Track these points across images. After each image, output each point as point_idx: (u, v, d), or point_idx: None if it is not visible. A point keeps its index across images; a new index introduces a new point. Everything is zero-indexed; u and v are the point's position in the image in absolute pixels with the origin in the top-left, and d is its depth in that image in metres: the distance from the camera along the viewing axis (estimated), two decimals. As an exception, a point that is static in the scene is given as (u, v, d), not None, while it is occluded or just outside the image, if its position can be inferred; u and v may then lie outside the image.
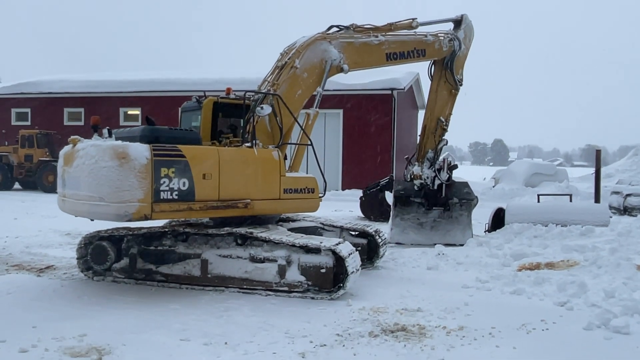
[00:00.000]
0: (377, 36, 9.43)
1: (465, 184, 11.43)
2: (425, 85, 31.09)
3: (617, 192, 18.82)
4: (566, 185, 24.09)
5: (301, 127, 8.30)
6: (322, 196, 8.28)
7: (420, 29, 10.32)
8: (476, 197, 11.26)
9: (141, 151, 6.29)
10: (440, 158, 11.22)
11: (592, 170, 31.43)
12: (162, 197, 6.40)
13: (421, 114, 34.09)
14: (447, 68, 10.97)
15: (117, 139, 6.74)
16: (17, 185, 25.09)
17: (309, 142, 8.27)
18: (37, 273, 7.86)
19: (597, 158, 13.28)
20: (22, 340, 4.90)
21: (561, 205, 11.48)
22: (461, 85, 11.29)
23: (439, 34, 10.66)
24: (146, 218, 6.33)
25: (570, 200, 11.95)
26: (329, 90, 8.90)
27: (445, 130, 11.31)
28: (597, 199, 13.26)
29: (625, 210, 17.87)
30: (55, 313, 5.83)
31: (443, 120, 11.19)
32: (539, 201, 11.96)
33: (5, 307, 6.05)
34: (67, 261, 8.63)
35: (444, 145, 11.34)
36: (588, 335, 5.32)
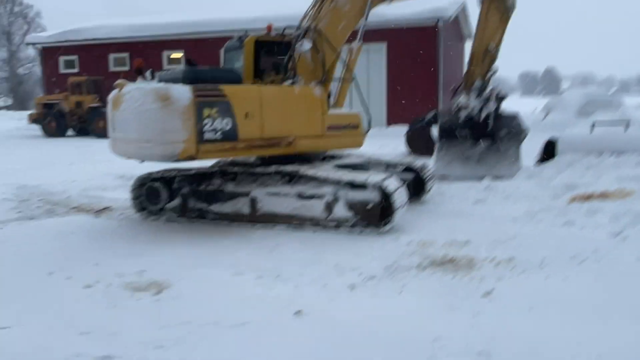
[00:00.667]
0: None
1: (514, 116, 11.08)
2: (473, 13, 29.85)
3: (676, 119, 17.92)
4: (622, 114, 23.08)
5: (344, 62, 8.16)
6: (367, 132, 8.21)
7: None
8: (526, 128, 10.92)
9: (183, 92, 6.36)
10: (489, 88, 10.85)
11: (651, 97, 29.83)
12: (206, 138, 6.49)
13: (467, 45, 32.96)
14: None
15: (160, 81, 6.81)
16: (70, 132, 25.90)
17: (352, 77, 8.14)
18: (95, 214, 8.22)
19: (656, 83, 12.59)
20: (86, 277, 5.19)
21: (615, 134, 11.03)
22: (514, 10, 10.68)
23: None
24: (192, 158, 6.46)
25: (626, 129, 11.45)
26: (370, 23, 8.63)
27: (494, 58, 10.83)
28: (655, 127, 12.66)
29: (686, 138, 17.07)
30: (115, 251, 6.13)
31: (493, 48, 10.72)
32: (592, 131, 11.52)
33: (69, 246, 6.39)
34: (122, 202, 8.96)
35: (493, 74, 10.89)
36: (643, 265, 5.22)
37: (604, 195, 7.83)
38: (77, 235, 6.93)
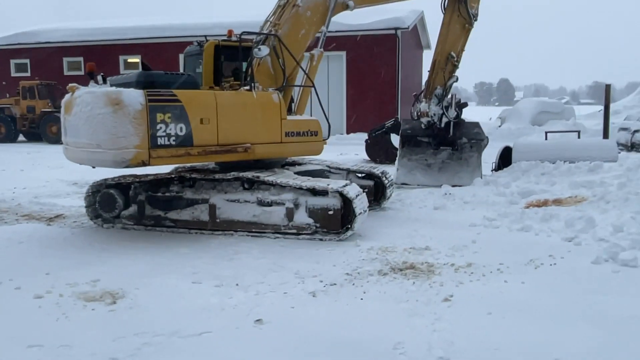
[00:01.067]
0: None
1: (475, 124, 11.23)
2: (431, 23, 30.37)
3: (624, 129, 18.63)
4: (573, 123, 23.86)
5: (303, 69, 8.13)
6: (327, 139, 8.20)
7: None
8: (486, 137, 11.07)
9: (135, 97, 6.23)
10: (449, 95, 10.93)
11: (599, 107, 30.93)
12: (159, 143, 6.38)
13: (426, 54, 33.61)
14: (462, 1, 10.52)
15: (113, 85, 6.66)
16: (21, 137, 25.05)
17: (311, 85, 8.13)
18: (47, 222, 7.92)
19: (606, 93, 13.06)
20: (36, 287, 4.97)
21: (569, 142, 11.37)
22: (476, 20, 10.82)
23: None
24: (144, 164, 6.33)
25: (579, 137, 11.82)
26: (330, 31, 8.63)
27: (456, 66, 10.92)
28: (605, 135, 13.13)
29: (633, 147, 17.75)
30: (67, 260, 5.90)
31: (454, 55, 10.79)
32: (546, 139, 11.84)
33: (18, 256, 6.12)
34: (75, 210, 8.69)
35: (454, 82, 10.96)
36: (596, 269, 5.36)
37: (558, 202, 8.03)
38: (28, 244, 6.65)
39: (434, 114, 10.78)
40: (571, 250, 6.01)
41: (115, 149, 6.20)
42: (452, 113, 10.71)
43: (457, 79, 11.02)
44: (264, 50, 7.41)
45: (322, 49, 8.45)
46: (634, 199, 7.43)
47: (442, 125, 10.79)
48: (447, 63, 10.81)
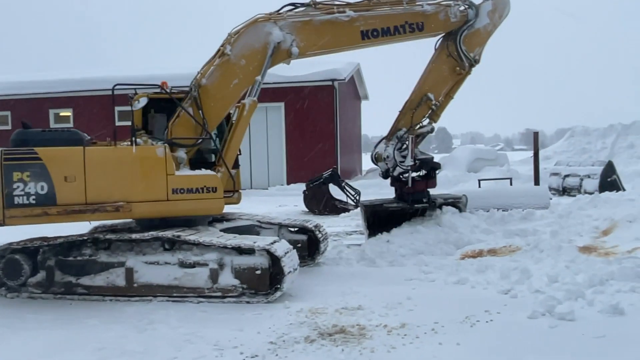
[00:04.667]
0: (344, 11, 8.01)
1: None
2: (367, 75, 31.01)
3: (556, 174, 19.14)
4: (507, 169, 24.45)
5: (201, 123, 7.33)
6: (231, 196, 7.59)
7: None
8: (464, 195, 9.85)
9: None
10: (418, 147, 9.30)
11: (532, 153, 32.01)
12: (16, 202, 6.20)
13: (364, 104, 34.11)
14: (457, 40, 8.88)
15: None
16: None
17: (208, 135, 7.44)
18: (-57, 293, 7.10)
19: (534, 140, 13.38)
20: None
21: (502, 189, 11.44)
22: (473, 65, 9.14)
23: (446, 2, 8.75)
24: None
25: (511, 184, 11.93)
26: (268, 83, 8.05)
27: (432, 110, 9.09)
28: (536, 182, 13.35)
29: (564, 191, 18.22)
30: (-47, 339, 5.19)
31: (432, 98, 9.01)
32: (479, 187, 11.89)
33: None
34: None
35: (427, 131, 9.31)
36: (533, 325, 5.14)
37: (493, 252, 7.90)
38: None
39: (387, 157, 9.14)
40: (507, 304, 5.78)
41: None
42: (408, 161, 8.93)
43: (432, 130, 9.36)
44: (142, 101, 6.98)
45: (255, 98, 7.90)
46: (567, 248, 7.37)
47: (396, 174, 9.16)
48: (420, 104, 9.10)
